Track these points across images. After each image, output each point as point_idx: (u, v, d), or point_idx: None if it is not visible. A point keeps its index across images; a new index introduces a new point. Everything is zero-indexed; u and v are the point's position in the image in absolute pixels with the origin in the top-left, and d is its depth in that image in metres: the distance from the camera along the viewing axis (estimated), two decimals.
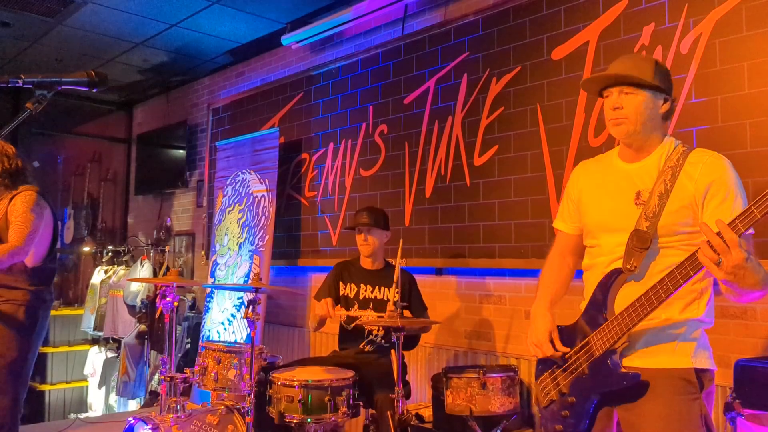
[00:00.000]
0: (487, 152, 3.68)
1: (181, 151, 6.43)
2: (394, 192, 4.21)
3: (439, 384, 2.96)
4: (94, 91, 1.63)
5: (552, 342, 1.87)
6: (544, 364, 1.92)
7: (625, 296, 1.76)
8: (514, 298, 3.57)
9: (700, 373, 1.73)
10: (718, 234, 1.48)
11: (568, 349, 1.83)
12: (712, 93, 2.82)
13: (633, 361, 1.76)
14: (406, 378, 3.30)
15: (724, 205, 1.70)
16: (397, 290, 3.02)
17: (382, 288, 3.33)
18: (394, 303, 2.85)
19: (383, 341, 3.29)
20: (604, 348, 1.73)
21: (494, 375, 2.71)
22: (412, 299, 3.35)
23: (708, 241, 1.49)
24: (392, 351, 2.99)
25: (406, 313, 3.32)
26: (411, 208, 4.08)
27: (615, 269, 1.78)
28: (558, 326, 1.91)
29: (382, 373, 3.03)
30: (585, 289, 1.94)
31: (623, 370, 1.72)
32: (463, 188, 3.78)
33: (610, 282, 1.78)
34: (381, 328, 3.28)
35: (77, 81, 1.57)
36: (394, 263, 3.08)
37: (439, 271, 3.96)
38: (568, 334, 1.86)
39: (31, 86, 1.51)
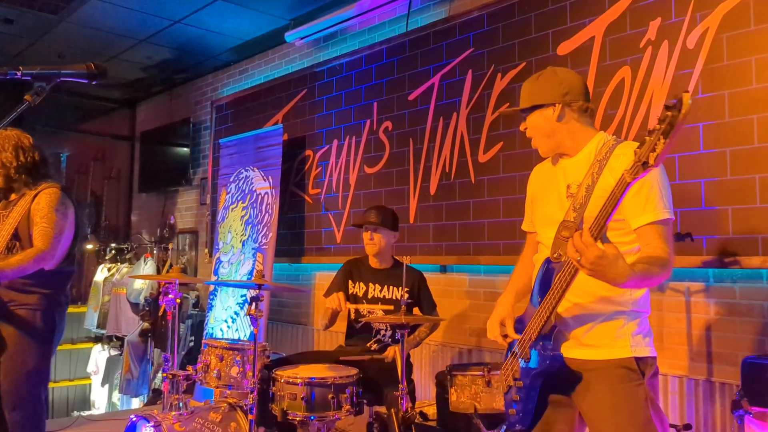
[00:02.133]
0: (491, 149, 3.65)
1: (185, 149, 6.42)
2: (398, 189, 4.19)
3: (443, 382, 2.93)
4: (93, 83, 1.61)
5: (504, 328, 1.99)
6: (508, 352, 2.02)
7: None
8: None
9: (639, 360, 1.81)
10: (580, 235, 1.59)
11: (518, 336, 1.93)
12: (719, 88, 2.79)
13: (574, 353, 1.87)
14: (411, 376, 3.28)
15: (639, 195, 1.78)
16: (405, 289, 3.00)
17: (391, 287, 3.31)
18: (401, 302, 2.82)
19: (390, 339, 3.26)
20: (536, 332, 1.82)
21: (499, 372, 2.68)
22: (421, 298, 3.33)
23: (572, 240, 1.60)
24: (396, 349, 2.97)
25: (415, 311, 3.30)
26: (416, 205, 4.06)
27: (546, 259, 1.89)
28: (517, 317, 2.00)
29: (388, 370, 3.01)
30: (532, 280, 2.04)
31: (549, 351, 1.82)
32: (468, 185, 3.76)
33: (541, 271, 1.89)
34: (388, 327, 3.26)
35: (76, 73, 1.55)
36: (402, 261, 3.06)
37: (444, 269, 3.94)
38: (521, 323, 1.97)
39: (29, 78, 1.49)
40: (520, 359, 1.91)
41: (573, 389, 1.87)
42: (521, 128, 2.02)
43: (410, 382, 3.15)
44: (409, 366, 3.27)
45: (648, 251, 1.77)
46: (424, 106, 4.07)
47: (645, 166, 1.47)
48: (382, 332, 3.30)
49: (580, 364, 1.86)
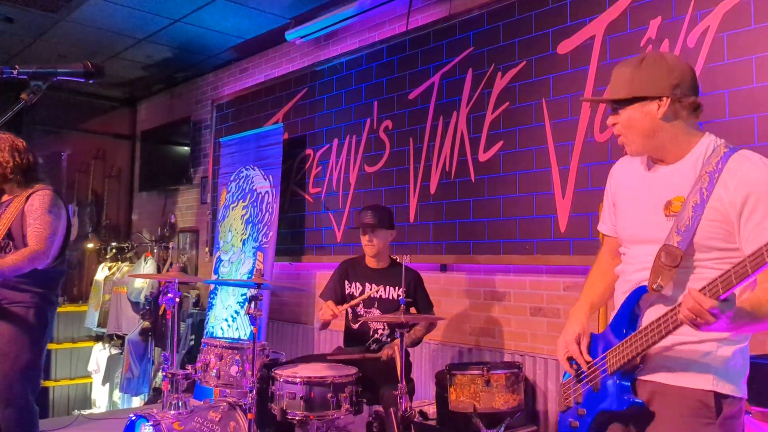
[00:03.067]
0: (492, 148, 3.65)
1: (186, 148, 6.42)
2: (398, 188, 4.18)
3: (443, 381, 2.94)
4: (91, 82, 1.60)
5: (579, 348, 1.77)
6: (574, 370, 1.82)
7: (652, 315, 1.62)
8: (519, 295, 3.54)
9: (720, 397, 1.57)
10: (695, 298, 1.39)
11: (590, 359, 1.73)
12: (720, 87, 2.78)
13: (651, 376, 1.65)
14: (411, 375, 3.27)
15: (765, 224, 1.49)
16: (403, 289, 2.99)
17: (388, 287, 3.30)
18: (399, 301, 2.82)
19: (389, 340, 3.26)
20: (616, 366, 1.64)
21: (498, 372, 2.69)
22: (418, 297, 3.32)
23: (686, 300, 1.41)
24: (395, 348, 2.97)
25: (412, 311, 3.30)
26: (416, 204, 4.05)
27: (640, 287, 1.65)
28: (592, 333, 1.80)
29: (387, 370, 3.01)
30: (614, 297, 1.83)
31: (630, 394, 1.63)
32: (468, 184, 3.75)
33: (634, 299, 1.66)
34: (386, 327, 3.26)
35: (73, 72, 1.54)
36: (399, 261, 3.05)
37: (443, 268, 3.93)
38: (596, 343, 1.77)
39: (26, 77, 1.48)
40: (589, 385, 1.72)
41: (637, 420, 1.65)
42: (609, 123, 1.71)
43: (410, 381, 3.14)
44: (408, 365, 3.26)
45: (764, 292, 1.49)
46: (425, 105, 4.06)
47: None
48: (380, 332, 3.30)
49: (649, 386, 1.63)
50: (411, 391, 3.08)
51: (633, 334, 1.61)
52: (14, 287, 2.93)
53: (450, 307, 3.86)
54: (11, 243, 2.94)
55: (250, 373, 2.78)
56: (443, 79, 3.97)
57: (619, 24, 3.13)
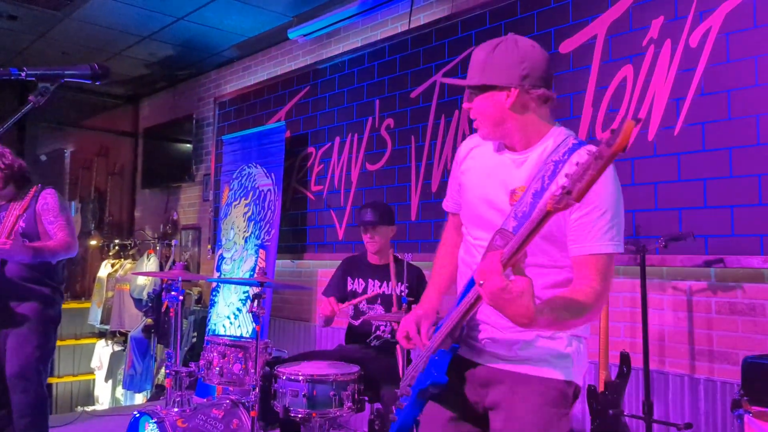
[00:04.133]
0: None
1: (188, 145, 6.43)
2: (400, 186, 4.19)
3: None
4: (98, 83, 1.62)
5: (417, 329, 1.72)
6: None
7: None
8: None
9: (572, 387, 1.63)
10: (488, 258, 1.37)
11: (427, 343, 1.69)
12: (722, 87, 2.78)
13: (510, 366, 1.63)
14: None
15: (585, 219, 1.50)
16: (405, 285, 3.01)
17: (390, 283, 3.32)
18: (400, 298, 2.84)
19: (390, 336, 3.28)
20: (435, 344, 1.63)
21: None
22: (420, 294, 3.33)
23: (482, 261, 1.40)
24: (398, 346, 2.99)
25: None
26: (417, 203, 4.06)
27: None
28: (440, 318, 1.74)
29: (388, 368, 3.03)
30: (457, 281, 1.80)
31: (437, 370, 1.60)
32: None
33: (471, 287, 1.57)
34: (388, 324, 3.28)
35: (80, 73, 1.56)
36: (401, 257, 3.06)
37: None
38: (438, 328, 1.71)
39: (33, 79, 1.50)
40: (420, 367, 1.69)
41: (486, 404, 1.66)
42: (465, 106, 1.67)
43: None
44: (410, 363, 3.28)
45: (570, 292, 1.50)
46: (426, 103, 4.07)
47: (568, 196, 1.21)
48: (382, 328, 3.31)
49: (507, 375, 1.62)
50: None
51: (453, 312, 1.60)
52: (35, 281, 3.14)
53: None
54: (27, 242, 3.09)
55: (253, 371, 2.79)
56: (445, 77, 3.97)
57: (621, 23, 3.14)
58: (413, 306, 3.24)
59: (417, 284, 3.34)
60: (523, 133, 1.61)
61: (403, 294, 3.21)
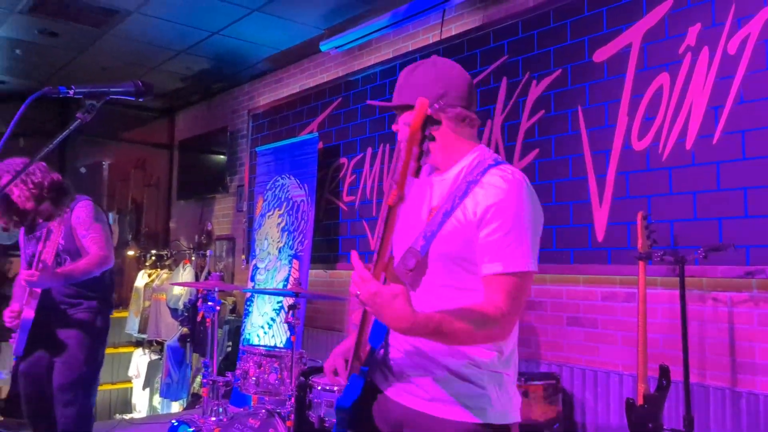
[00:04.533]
0: (527, 156, 3.64)
1: (222, 157, 6.54)
2: None
3: None
4: (140, 100, 1.66)
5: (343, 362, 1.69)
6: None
7: None
8: (556, 304, 3.52)
9: (491, 429, 1.51)
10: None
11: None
12: (762, 95, 2.73)
13: (415, 402, 1.56)
14: None
15: (491, 237, 1.48)
16: None
17: None
18: None
19: None
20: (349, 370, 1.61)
21: (536, 383, 2.68)
22: None
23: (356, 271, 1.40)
24: None
25: None
26: None
27: None
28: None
29: None
30: None
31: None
32: None
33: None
34: None
35: (124, 90, 1.61)
36: None
37: None
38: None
39: (81, 96, 1.55)
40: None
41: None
42: (393, 128, 1.66)
43: None
44: None
45: (469, 304, 1.46)
46: None
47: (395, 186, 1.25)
48: None
49: (419, 417, 1.55)
50: None
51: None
52: (79, 296, 3.08)
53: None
54: (68, 258, 3.07)
55: (288, 380, 2.82)
56: (477, 87, 3.97)
57: (657, 31, 3.10)
58: None
59: None
60: (443, 153, 1.61)
61: None
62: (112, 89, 1.57)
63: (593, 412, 3.22)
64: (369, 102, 1.87)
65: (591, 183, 3.31)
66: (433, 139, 1.35)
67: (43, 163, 3.14)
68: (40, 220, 3.16)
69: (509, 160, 3.72)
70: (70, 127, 1.54)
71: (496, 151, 3.80)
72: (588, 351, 3.33)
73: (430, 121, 1.31)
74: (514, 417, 1.58)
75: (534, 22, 3.67)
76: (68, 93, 1.53)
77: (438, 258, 1.55)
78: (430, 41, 4.40)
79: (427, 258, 1.54)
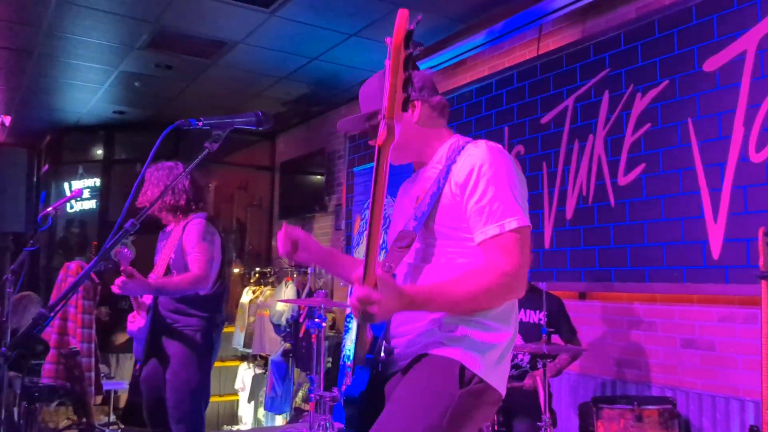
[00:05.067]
0: (632, 171, 3.52)
1: (321, 177, 6.74)
2: (532, 213, 4.09)
3: (587, 414, 2.85)
4: (260, 129, 1.77)
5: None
6: None
7: None
8: (667, 325, 3.36)
9: (466, 371, 1.54)
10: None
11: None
12: None
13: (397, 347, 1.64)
14: (551, 407, 3.21)
15: (482, 203, 1.54)
16: (544, 312, 2.96)
17: (528, 311, 3.27)
18: (539, 327, 2.79)
19: (528, 366, 3.22)
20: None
21: (650, 407, 2.57)
22: (561, 324, 3.26)
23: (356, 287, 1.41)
24: (536, 377, 2.93)
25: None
26: (551, 230, 3.98)
27: None
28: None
29: (525, 400, 2.98)
30: None
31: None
32: (608, 209, 3.64)
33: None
34: (526, 353, 3.22)
35: (247, 120, 1.72)
36: (537, 286, 3.01)
37: (582, 296, 3.83)
38: None
39: (209, 128, 1.67)
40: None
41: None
42: (371, 143, 1.62)
43: (551, 413, 3.08)
44: (548, 396, 3.20)
45: (469, 269, 1.53)
46: (558, 129, 4.01)
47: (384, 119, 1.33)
48: (519, 356, 3.26)
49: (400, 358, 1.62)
50: (553, 423, 3.02)
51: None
52: (183, 313, 3.13)
53: (590, 336, 3.73)
54: (176, 272, 3.18)
55: None
56: (577, 102, 3.90)
57: None
58: (552, 336, 3.18)
59: (557, 314, 3.27)
60: (426, 146, 1.70)
61: (542, 323, 3.16)
62: (236, 120, 1.69)
63: None
64: (341, 122, 1.88)
65: (704, 198, 3.16)
66: (416, 67, 1.35)
67: (186, 181, 3.25)
68: (168, 228, 3.31)
69: (613, 175, 3.62)
70: (200, 156, 1.66)
71: (599, 166, 3.71)
72: (705, 374, 3.15)
73: (409, 37, 1.31)
74: (489, 375, 1.58)
75: (637, 33, 3.57)
76: (198, 125, 1.65)
77: (431, 234, 1.62)
78: (527, 57, 4.37)
79: (421, 235, 1.62)
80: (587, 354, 3.73)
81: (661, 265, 3.32)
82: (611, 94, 3.69)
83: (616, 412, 2.59)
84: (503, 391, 1.62)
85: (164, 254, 3.21)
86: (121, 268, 2.81)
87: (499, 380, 1.60)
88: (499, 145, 1.63)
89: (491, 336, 1.59)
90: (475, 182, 1.55)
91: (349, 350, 5.19)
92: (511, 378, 3.23)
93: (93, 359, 4.52)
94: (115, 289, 2.88)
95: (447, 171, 1.60)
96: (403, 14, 1.28)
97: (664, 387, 3.29)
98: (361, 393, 1.56)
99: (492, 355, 1.58)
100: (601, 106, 3.74)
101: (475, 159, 1.57)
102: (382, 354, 1.64)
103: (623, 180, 3.57)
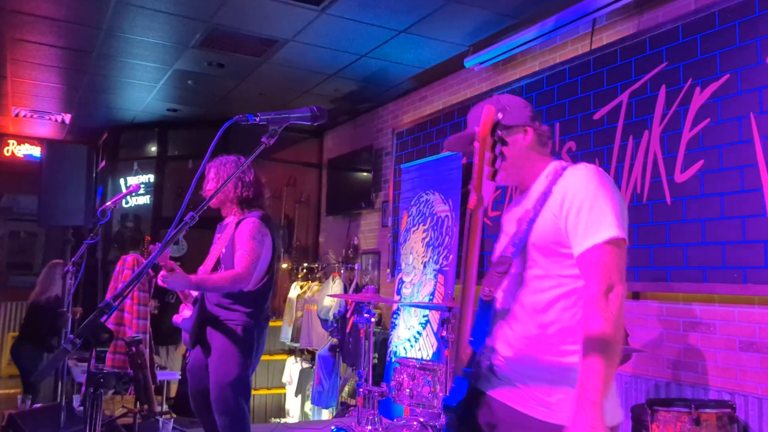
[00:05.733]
0: (690, 168, 3.42)
1: (367, 174, 6.77)
2: None
3: (642, 416, 2.79)
4: (316, 124, 1.78)
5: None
6: None
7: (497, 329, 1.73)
8: (726, 327, 3.26)
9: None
10: None
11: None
12: None
13: (503, 395, 1.66)
14: None
15: (574, 220, 1.59)
16: None
17: None
18: None
19: None
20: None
21: (709, 410, 2.49)
22: None
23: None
24: None
25: None
26: None
27: (480, 299, 1.72)
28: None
29: None
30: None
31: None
32: (663, 207, 3.54)
33: (479, 310, 1.70)
34: None
35: (302, 116, 1.74)
36: None
37: (636, 296, 3.74)
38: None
39: (265, 123, 1.70)
40: None
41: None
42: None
43: None
44: None
45: (582, 330, 1.53)
46: (612, 124, 3.92)
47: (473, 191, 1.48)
48: None
49: (517, 416, 1.62)
50: None
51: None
52: (226, 307, 3.19)
53: (644, 337, 3.64)
54: (222, 267, 3.26)
55: (441, 394, 2.85)
56: (632, 97, 3.81)
57: None
58: None
59: None
60: (532, 169, 1.78)
61: None
62: (292, 115, 1.71)
63: None
64: (445, 144, 1.95)
65: (767, 195, 3.04)
66: (504, 143, 1.50)
67: (251, 174, 3.32)
68: (226, 221, 3.37)
69: (670, 171, 3.52)
70: (256, 151, 1.69)
71: (655, 162, 3.62)
72: (766, 378, 3.04)
73: (498, 126, 1.47)
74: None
75: (696, 25, 3.46)
76: (255, 120, 1.68)
77: (529, 258, 1.67)
78: (579, 51, 4.29)
79: (519, 259, 1.68)
80: (641, 355, 3.65)
81: (720, 265, 3.21)
82: (668, 89, 3.59)
83: (672, 415, 2.52)
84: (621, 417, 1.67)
85: (216, 248, 3.28)
86: (162, 263, 2.87)
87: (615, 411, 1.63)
88: (597, 166, 1.69)
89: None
90: (572, 201, 1.61)
91: (395, 346, 5.21)
92: None
93: (147, 349, 4.66)
94: (159, 281, 2.95)
95: (545, 195, 1.68)
96: (489, 111, 1.48)
97: (722, 390, 3.19)
98: (458, 402, 1.65)
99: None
100: (657, 101, 3.64)
101: (573, 180, 1.65)
102: (481, 368, 1.72)
103: (680, 177, 3.47)
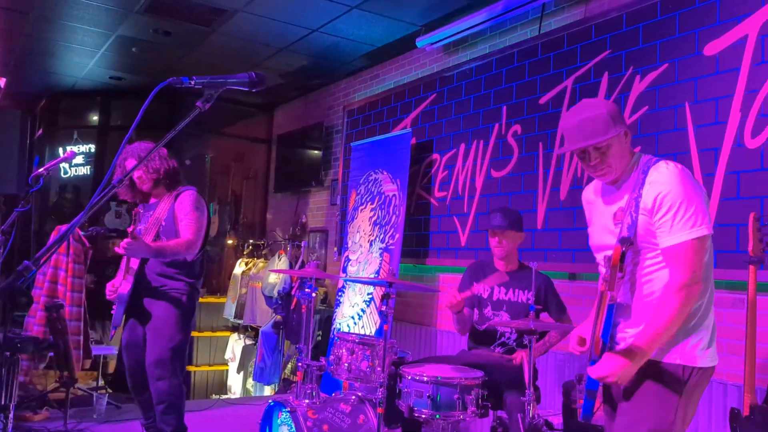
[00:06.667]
0: None
1: (317, 152, 6.72)
2: (526, 193, 4.14)
3: (571, 392, 2.88)
4: (254, 90, 1.75)
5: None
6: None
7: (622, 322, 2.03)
8: None
9: (683, 369, 1.88)
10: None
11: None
12: None
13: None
14: (536, 383, 3.24)
15: (667, 216, 1.86)
16: (533, 293, 2.97)
17: (516, 290, 3.29)
18: (527, 305, 2.81)
19: (515, 343, 3.25)
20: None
21: None
22: (549, 302, 3.28)
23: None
24: (523, 354, 2.96)
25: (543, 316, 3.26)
26: (544, 210, 3.99)
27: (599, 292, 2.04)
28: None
29: (513, 375, 3.00)
30: None
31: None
32: None
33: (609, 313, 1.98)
34: (513, 331, 3.25)
35: (240, 81, 1.70)
36: (528, 265, 3.02)
37: (572, 276, 3.85)
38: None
39: (200, 86, 1.65)
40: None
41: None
42: (592, 163, 2.02)
43: (536, 389, 3.11)
44: (534, 372, 3.23)
45: (655, 302, 1.91)
46: (556, 109, 4.00)
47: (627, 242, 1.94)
48: (507, 334, 3.29)
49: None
50: (537, 399, 3.05)
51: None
52: (171, 276, 3.31)
53: (579, 316, 3.75)
54: (165, 238, 3.32)
55: (380, 369, 2.88)
56: (576, 83, 3.88)
57: None
58: (541, 314, 3.20)
59: (545, 292, 3.28)
60: (626, 164, 2.02)
61: (529, 302, 3.18)
62: (229, 80, 1.67)
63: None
64: (560, 151, 2.26)
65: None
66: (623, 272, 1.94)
67: (164, 150, 3.41)
68: (153, 200, 3.46)
69: None
70: (190, 116, 1.65)
71: None
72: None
73: (624, 256, 1.91)
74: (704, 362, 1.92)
75: (639, 14, 3.54)
76: (190, 83, 1.64)
77: (629, 254, 1.94)
78: (528, 36, 4.34)
79: (629, 262, 1.95)
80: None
81: None
82: (610, 76, 3.67)
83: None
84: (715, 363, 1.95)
85: (151, 223, 3.29)
86: (129, 230, 2.98)
87: (710, 359, 1.92)
88: (679, 165, 1.93)
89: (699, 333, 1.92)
90: (662, 201, 1.86)
91: (339, 324, 5.23)
92: (497, 355, 3.27)
93: (82, 323, 4.54)
94: (119, 249, 3.02)
95: (638, 192, 1.91)
96: (618, 249, 1.91)
97: None
98: (598, 385, 1.97)
99: (704, 344, 1.91)
100: (600, 88, 3.72)
101: (659, 182, 1.89)
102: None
103: None
